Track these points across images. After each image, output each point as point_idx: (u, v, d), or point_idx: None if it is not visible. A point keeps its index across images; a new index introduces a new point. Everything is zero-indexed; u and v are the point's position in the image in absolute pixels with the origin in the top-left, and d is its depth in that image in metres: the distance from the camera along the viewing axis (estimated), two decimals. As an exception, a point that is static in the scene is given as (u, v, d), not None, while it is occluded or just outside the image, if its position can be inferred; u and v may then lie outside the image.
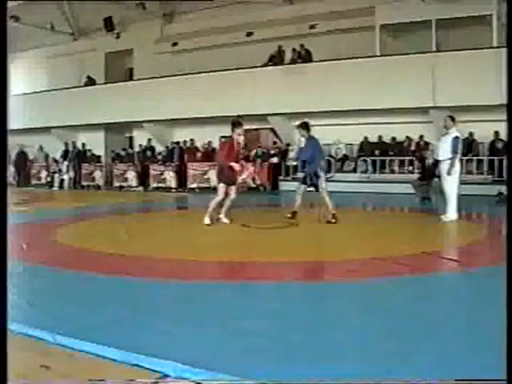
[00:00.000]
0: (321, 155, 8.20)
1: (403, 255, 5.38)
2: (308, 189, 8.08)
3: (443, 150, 8.08)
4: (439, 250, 6.00)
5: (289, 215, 8.01)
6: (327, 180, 8.34)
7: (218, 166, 7.92)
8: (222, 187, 7.65)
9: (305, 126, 8.01)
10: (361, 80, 14.39)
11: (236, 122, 7.67)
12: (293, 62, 16.21)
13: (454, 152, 7.93)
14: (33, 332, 2.92)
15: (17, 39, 18.70)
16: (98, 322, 3.15)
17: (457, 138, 8.01)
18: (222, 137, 18.06)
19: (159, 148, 18.93)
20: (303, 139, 8.06)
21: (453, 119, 8.18)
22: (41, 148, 20.94)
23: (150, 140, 18.83)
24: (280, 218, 8.22)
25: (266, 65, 16.32)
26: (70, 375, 2.40)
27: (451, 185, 8.03)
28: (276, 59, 16.30)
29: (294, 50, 16.17)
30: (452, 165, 7.92)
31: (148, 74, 18.37)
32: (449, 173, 7.95)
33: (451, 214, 8.04)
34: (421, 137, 14.77)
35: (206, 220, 7.62)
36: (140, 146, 19.12)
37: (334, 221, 7.70)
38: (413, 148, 14.87)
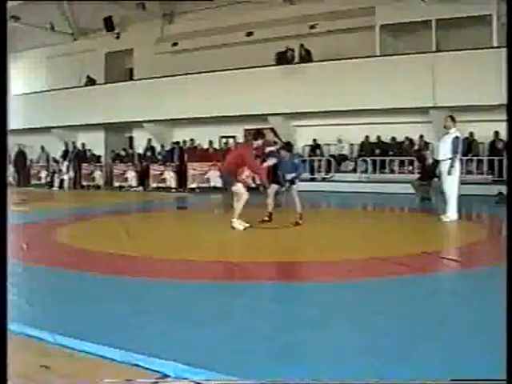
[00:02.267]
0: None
1: (403, 255, 5.38)
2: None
3: (444, 149, 8.08)
4: (439, 249, 6.00)
5: (266, 218, 7.90)
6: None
7: (233, 167, 7.53)
8: (242, 187, 7.45)
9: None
10: (361, 80, 14.39)
11: (262, 133, 7.77)
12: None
13: (455, 152, 7.94)
14: (33, 332, 2.92)
15: (17, 39, 18.71)
16: (98, 322, 3.15)
17: (457, 138, 8.02)
18: (222, 137, 18.17)
19: (159, 148, 18.93)
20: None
21: (453, 119, 8.19)
22: (42, 148, 20.94)
23: (150, 140, 18.83)
24: (280, 218, 8.21)
25: (277, 61, 16.16)
26: (70, 375, 2.40)
27: (451, 185, 8.03)
28: (284, 59, 16.17)
29: (290, 49, 16.13)
30: (452, 165, 7.93)
31: (148, 74, 18.37)
32: (449, 172, 7.95)
33: (451, 213, 8.04)
34: (421, 137, 14.77)
35: (238, 225, 7.21)
36: (146, 147, 19.09)
37: (301, 222, 7.71)
38: (407, 151, 14.88)
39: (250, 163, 7.53)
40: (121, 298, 3.82)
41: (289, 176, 7.90)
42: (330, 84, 14.87)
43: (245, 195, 7.35)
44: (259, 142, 7.60)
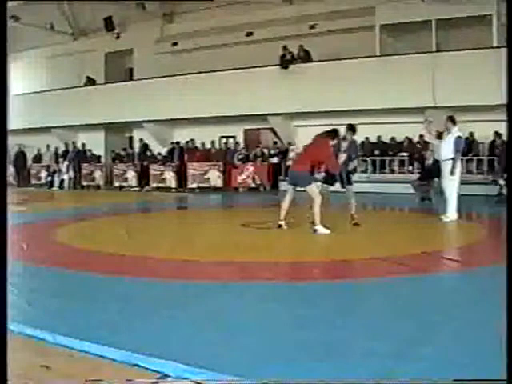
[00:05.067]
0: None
1: (403, 255, 5.38)
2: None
3: (445, 150, 8.05)
4: (439, 249, 5.99)
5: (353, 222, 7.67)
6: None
7: (311, 166, 7.25)
8: (316, 187, 7.20)
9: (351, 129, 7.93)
10: (361, 80, 14.39)
11: (337, 133, 7.51)
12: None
13: (457, 151, 7.91)
14: (33, 332, 2.92)
15: (17, 39, 18.71)
16: (98, 322, 3.15)
17: (460, 137, 7.99)
18: (222, 137, 18.19)
19: (159, 148, 18.94)
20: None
21: (452, 119, 8.16)
22: (48, 147, 20.93)
23: (141, 140, 18.92)
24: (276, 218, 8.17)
25: (282, 65, 16.11)
26: (70, 375, 2.40)
27: (452, 185, 8.02)
28: (285, 61, 16.12)
29: (287, 50, 16.11)
30: (454, 165, 7.90)
31: (148, 74, 18.37)
32: (452, 173, 7.91)
33: (451, 213, 8.03)
34: (421, 136, 14.75)
35: (321, 228, 6.84)
36: (140, 146, 19.13)
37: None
38: (419, 145, 14.76)
39: (331, 160, 7.28)
40: (121, 297, 3.82)
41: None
42: (329, 84, 14.86)
43: (319, 195, 7.03)
44: (335, 142, 7.38)
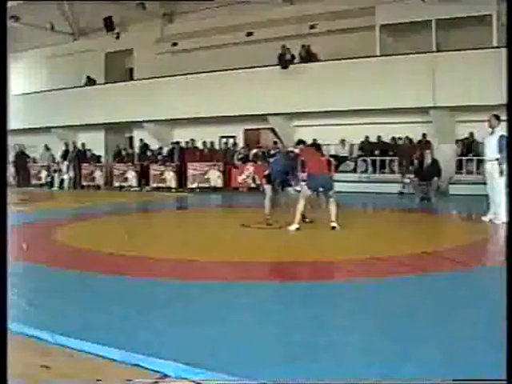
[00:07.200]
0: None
1: (403, 255, 5.38)
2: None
3: (490, 149, 7.89)
4: (439, 249, 5.99)
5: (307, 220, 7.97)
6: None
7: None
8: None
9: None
10: (361, 80, 14.39)
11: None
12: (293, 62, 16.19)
13: (501, 151, 7.69)
14: (33, 332, 2.92)
15: (17, 39, 18.71)
16: (98, 322, 3.15)
17: (502, 136, 7.67)
18: (222, 137, 18.19)
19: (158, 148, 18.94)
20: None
21: (498, 118, 8.00)
22: (46, 147, 20.92)
23: (141, 140, 18.92)
24: (281, 217, 8.19)
25: (286, 65, 16.06)
26: (70, 375, 2.40)
27: (500, 184, 7.69)
28: (284, 61, 16.10)
29: (287, 49, 16.10)
30: (501, 164, 7.65)
31: (148, 74, 18.36)
32: (501, 173, 7.64)
33: (502, 215, 7.64)
34: (423, 135, 14.72)
35: (336, 225, 7.36)
36: (140, 146, 19.13)
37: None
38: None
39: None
40: (121, 297, 3.82)
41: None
42: (330, 84, 14.85)
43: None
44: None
